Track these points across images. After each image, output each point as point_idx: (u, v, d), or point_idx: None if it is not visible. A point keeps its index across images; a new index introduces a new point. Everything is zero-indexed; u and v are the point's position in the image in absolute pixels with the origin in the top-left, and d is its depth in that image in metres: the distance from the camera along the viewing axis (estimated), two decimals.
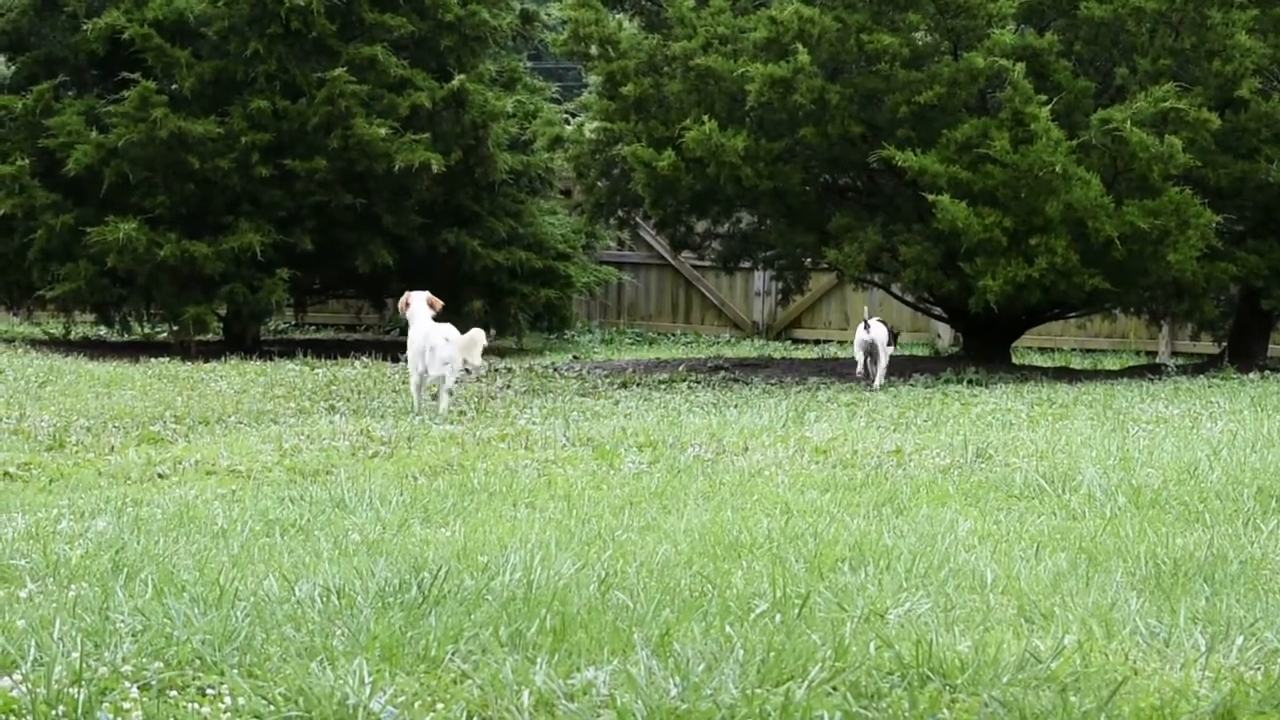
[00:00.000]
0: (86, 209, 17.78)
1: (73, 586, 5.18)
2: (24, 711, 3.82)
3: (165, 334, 19.47)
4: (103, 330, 20.55)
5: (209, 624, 4.45)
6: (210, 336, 19.01)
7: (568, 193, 19.99)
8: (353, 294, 21.21)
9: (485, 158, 18.36)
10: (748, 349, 20.48)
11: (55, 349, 17.95)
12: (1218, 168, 14.03)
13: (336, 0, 17.95)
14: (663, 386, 13.98)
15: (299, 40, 17.96)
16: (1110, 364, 18.38)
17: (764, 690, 3.94)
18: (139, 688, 3.98)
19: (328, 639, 4.34)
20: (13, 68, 19.47)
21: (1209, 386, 13.00)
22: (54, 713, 3.81)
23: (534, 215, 19.42)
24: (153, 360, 15.62)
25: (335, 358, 16.27)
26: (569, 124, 17.69)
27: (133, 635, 4.36)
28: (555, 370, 15.85)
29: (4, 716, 3.81)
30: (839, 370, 15.51)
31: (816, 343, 21.46)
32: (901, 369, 14.72)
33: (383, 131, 17.50)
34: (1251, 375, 13.93)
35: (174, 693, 3.99)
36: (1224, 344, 16.53)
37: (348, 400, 12.58)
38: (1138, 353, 19.80)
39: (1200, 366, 15.61)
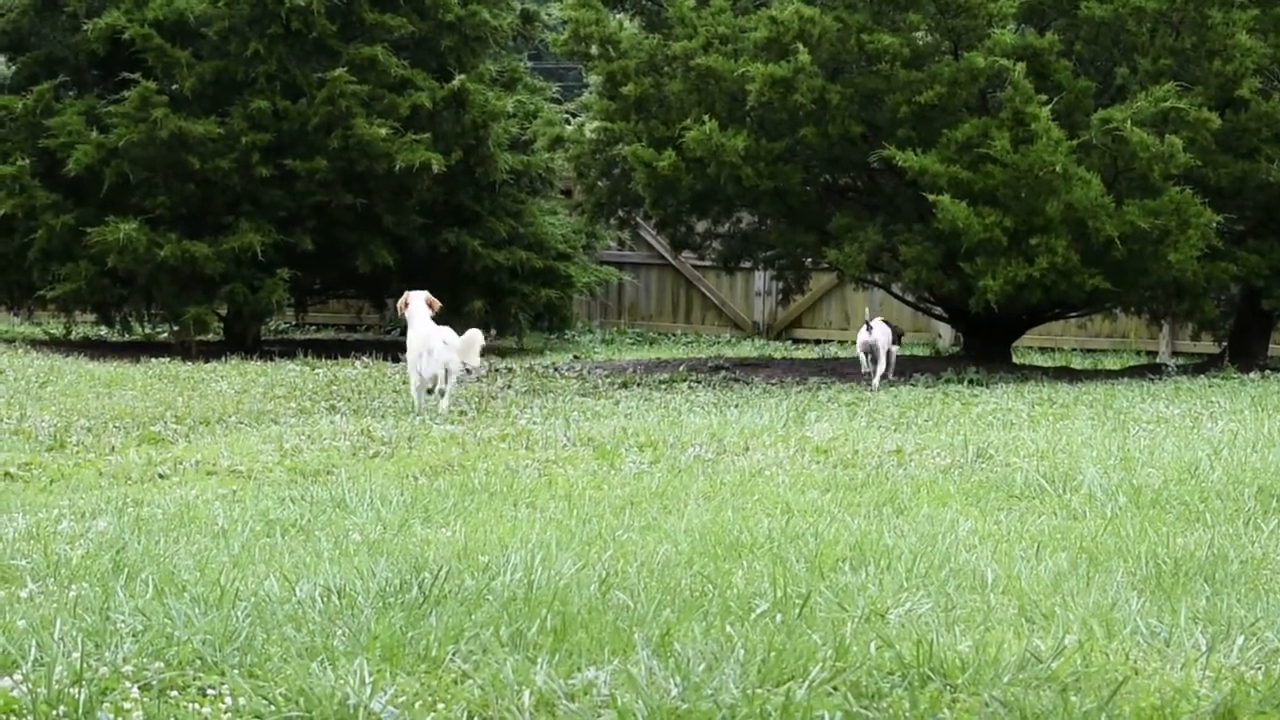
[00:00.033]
0: (87, 209, 17.78)
1: (73, 586, 5.18)
2: (24, 711, 3.82)
3: (166, 334, 19.47)
4: (103, 330, 20.55)
5: (210, 624, 4.45)
6: (211, 337, 19.01)
7: (568, 193, 19.99)
8: (353, 294, 21.22)
9: (486, 158, 18.36)
10: (748, 349, 20.48)
11: (56, 349, 17.95)
12: (1218, 167, 14.03)
13: (337, 0, 17.95)
14: (663, 386, 13.99)
15: (299, 40, 17.96)
16: (1111, 364, 18.38)
17: (765, 690, 3.94)
18: (140, 688, 3.98)
19: (328, 639, 4.34)
20: (13, 68, 19.47)
21: (1209, 386, 13.00)
22: (54, 713, 3.81)
23: (534, 215, 19.42)
24: (153, 360, 15.62)
25: (336, 358, 16.27)
26: (569, 124, 17.70)
27: (133, 635, 4.37)
28: (556, 370, 15.85)
29: (5, 716, 3.81)
30: (840, 370, 15.51)
31: (817, 343, 21.46)
32: (902, 369, 14.73)
33: (383, 131, 17.50)
34: (1252, 375, 13.93)
35: (175, 693, 3.99)
36: (1224, 344, 16.52)
37: (348, 400, 12.58)
38: (1138, 352, 19.80)
39: (1201, 366, 15.62)
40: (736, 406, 11.59)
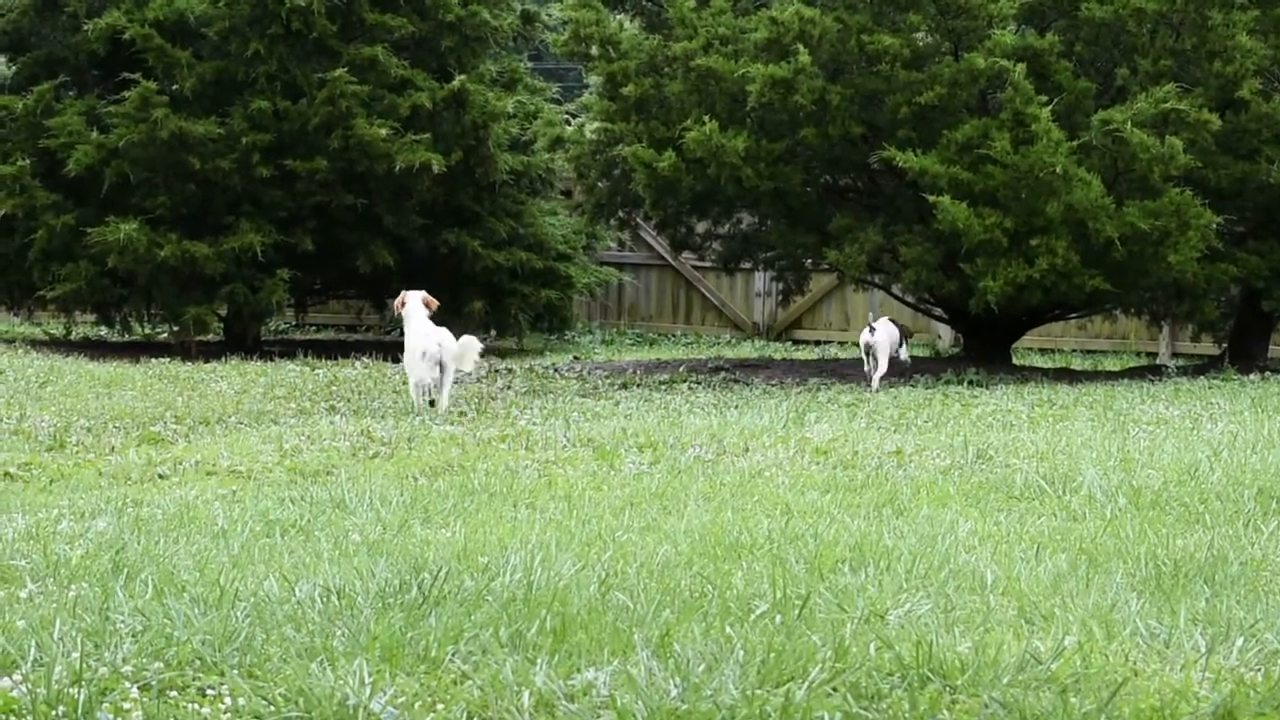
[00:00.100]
0: (87, 209, 17.78)
1: (73, 587, 5.18)
2: (24, 711, 3.82)
3: (166, 334, 19.47)
4: (103, 331, 20.55)
5: (209, 624, 4.45)
6: (211, 337, 19.01)
7: (568, 193, 19.99)
8: (353, 294, 21.22)
9: (486, 158, 18.36)
10: (748, 350, 20.48)
11: (56, 349, 17.96)
12: (1218, 169, 14.03)
13: (337, 1, 17.95)
14: (663, 387, 13.99)
15: (300, 41, 17.96)
16: (1111, 365, 18.38)
17: (764, 691, 3.94)
18: (139, 688, 3.98)
19: (328, 639, 4.34)
20: (13, 68, 19.47)
21: (1209, 387, 13.00)
22: (54, 713, 3.81)
23: (534, 216, 19.42)
24: (153, 360, 15.62)
25: (336, 358, 16.27)
26: (570, 124, 17.69)
27: (133, 635, 4.36)
28: (556, 371, 15.85)
29: (4, 716, 3.81)
30: (840, 371, 15.51)
31: (817, 343, 21.46)
32: (900, 370, 14.72)
33: (383, 132, 17.50)
34: (1252, 376, 13.93)
35: (174, 693, 3.98)
36: (1224, 345, 16.53)
37: (348, 401, 12.58)
38: (1138, 354, 19.80)
39: (1201, 367, 15.62)
40: (736, 407, 11.59)
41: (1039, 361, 18.33)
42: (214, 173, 17.65)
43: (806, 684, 3.96)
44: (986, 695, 3.94)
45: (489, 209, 19.00)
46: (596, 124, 16.21)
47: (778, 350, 20.45)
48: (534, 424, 10.44)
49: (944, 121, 14.09)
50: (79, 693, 3.87)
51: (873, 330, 13.83)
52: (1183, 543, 5.96)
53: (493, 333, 19.65)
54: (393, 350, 16.49)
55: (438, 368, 11.17)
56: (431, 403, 11.27)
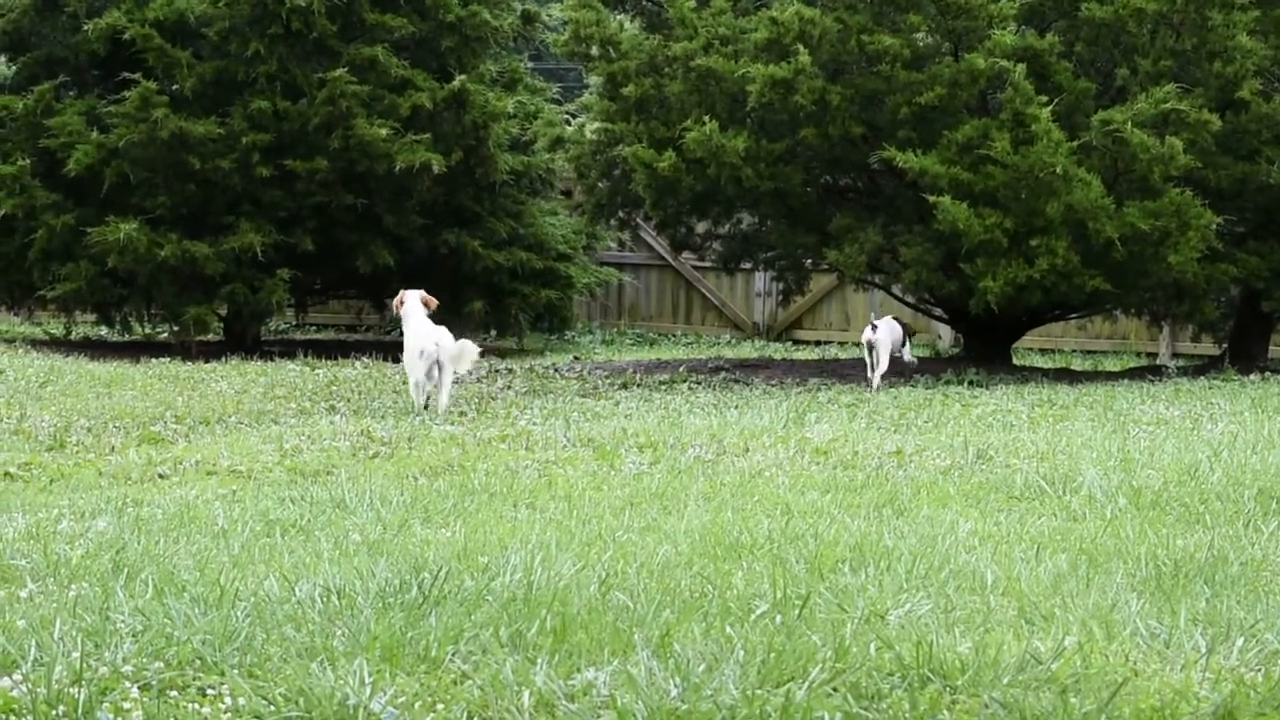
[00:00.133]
0: (87, 209, 17.78)
1: (73, 586, 5.18)
2: (24, 711, 3.82)
3: (166, 334, 19.46)
4: (103, 330, 20.55)
5: (209, 624, 4.45)
6: (211, 337, 19.01)
7: (568, 193, 19.99)
8: (353, 294, 21.22)
9: (486, 158, 18.36)
10: (748, 350, 20.48)
11: (56, 349, 17.95)
12: (1218, 169, 14.03)
13: (337, 1, 17.95)
14: (663, 387, 13.99)
15: (300, 41, 17.96)
16: (1111, 365, 18.38)
17: (764, 691, 3.94)
18: (139, 688, 3.98)
19: (328, 639, 4.34)
20: (13, 68, 19.47)
21: (1209, 388, 13.00)
22: (54, 713, 3.81)
23: (535, 216, 19.42)
24: (153, 360, 15.62)
25: (336, 358, 16.27)
26: (570, 125, 17.69)
27: (133, 635, 4.37)
28: (556, 371, 15.85)
29: (4, 716, 3.81)
30: (840, 371, 15.51)
31: (817, 344, 21.46)
32: (902, 370, 14.72)
33: (383, 132, 17.50)
34: (1252, 377, 13.93)
35: (174, 693, 3.98)
36: (1224, 345, 16.53)
37: (348, 401, 12.58)
38: (1138, 354, 19.79)
39: (1201, 368, 15.62)
40: (736, 407, 11.59)
41: (1039, 362, 18.33)
42: (214, 173, 17.65)
43: (807, 684, 3.96)
44: (987, 695, 3.94)
45: (489, 209, 19.00)
46: (596, 124, 16.21)
47: (778, 350, 20.45)
48: (534, 424, 10.44)
49: (944, 122, 14.09)
50: (79, 692, 3.87)
51: (875, 327, 13.82)
52: (1183, 543, 5.96)
53: (493, 333, 19.66)
54: (393, 350, 16.48)
55: (436, 367, 11.17)
56: (425, 405, 11.27)
